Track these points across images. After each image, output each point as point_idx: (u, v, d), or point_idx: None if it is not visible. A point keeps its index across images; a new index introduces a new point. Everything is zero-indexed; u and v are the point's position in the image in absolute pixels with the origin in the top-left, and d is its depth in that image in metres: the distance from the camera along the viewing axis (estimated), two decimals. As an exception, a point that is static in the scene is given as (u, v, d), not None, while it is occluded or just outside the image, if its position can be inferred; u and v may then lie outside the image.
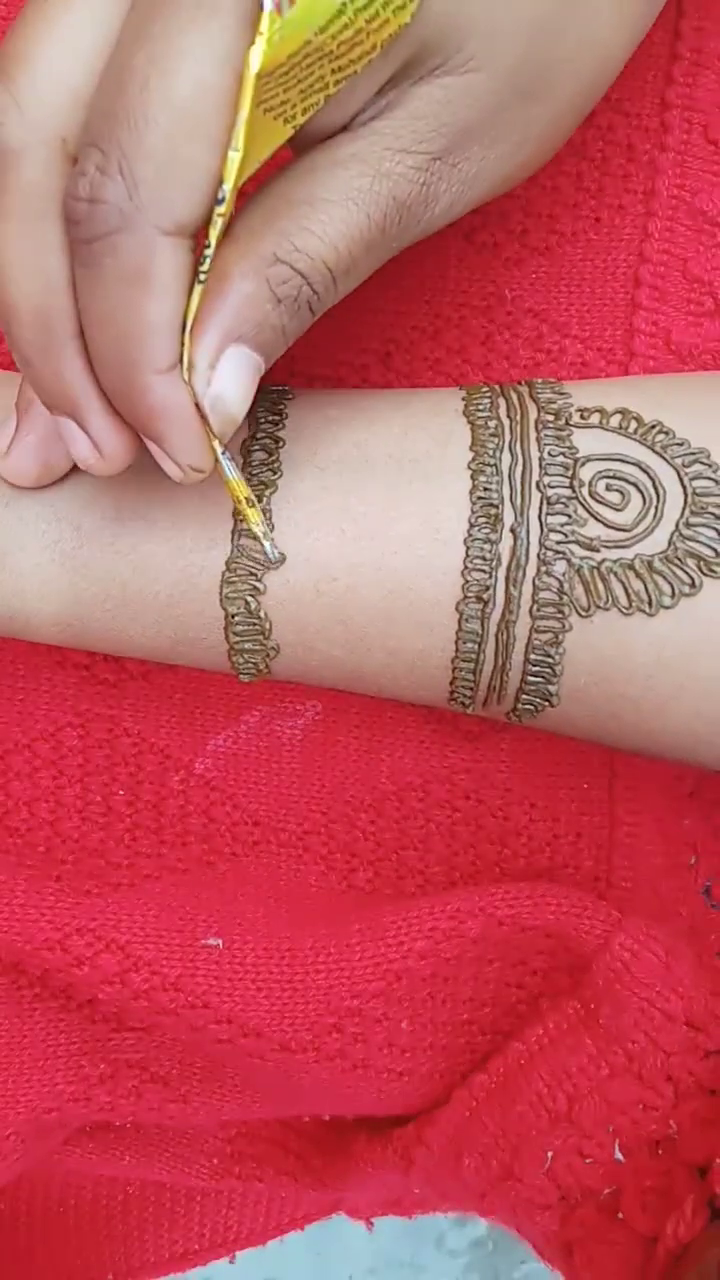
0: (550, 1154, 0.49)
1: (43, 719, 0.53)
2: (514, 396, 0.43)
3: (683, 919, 0.53)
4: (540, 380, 0.44)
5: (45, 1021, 0.49)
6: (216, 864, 0.53)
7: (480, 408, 0.43)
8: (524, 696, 0.43)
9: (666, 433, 0.42)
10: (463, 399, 0.44)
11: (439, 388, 0.47)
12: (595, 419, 0.42)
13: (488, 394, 0.44)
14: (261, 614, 0.43)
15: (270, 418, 0.43)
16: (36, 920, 0.47)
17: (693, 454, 0.41)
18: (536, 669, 0.42)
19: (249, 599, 0.42)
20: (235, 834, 0.53)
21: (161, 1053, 0.50)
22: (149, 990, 0.47)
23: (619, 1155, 0.48)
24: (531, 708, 0.44)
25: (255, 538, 0.41)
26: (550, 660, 0.42)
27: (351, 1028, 0.48)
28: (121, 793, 0.53)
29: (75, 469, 0.42)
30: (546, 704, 0.43)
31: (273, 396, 0.44)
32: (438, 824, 0.53)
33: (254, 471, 0.42)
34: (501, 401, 0.44)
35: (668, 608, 0.41)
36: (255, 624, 0.43)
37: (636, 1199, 0.48)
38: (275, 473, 0.42)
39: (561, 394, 0.43)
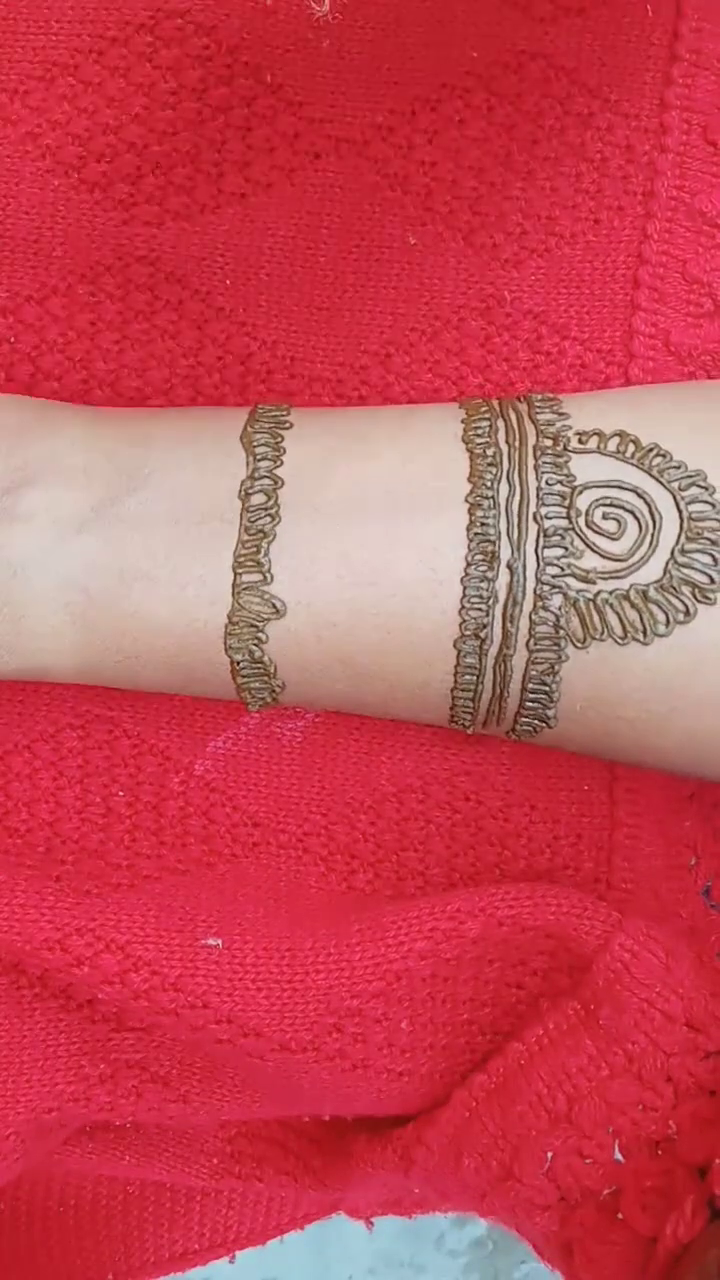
0: (550, 1154, 0.49)
1: (42, 720, 0.53)
2: (513, 418, 0.44)
3: (683, 920, 0.53)
4: (539, 396, 0.45)
5: (45, 1021, 0.49)
6: (216, 865, 0.53)
7: (479, 432, 0.44)
8: (522, 719, 0.45)
9: (664, 455, 0.42)
10: (462, 421, 0.45)
11: (439, 401, 0.49)
12: (593, 443, 0.43)
13: (486, 415, 0.45)
14: (265, 659, 0.44)
15: (270, 454, 0.44)
16: (36, 920, 0.47)
17: (689, 477, 0.42)
18: (533, 697, 0.44)
19: (252, 648, 0.44)
20: (235, 835, 0.53)
21: (161, 1053, 0.50)
22: (149, 990, 0.47)
23: (619, 1156, 0.48)
24: (530, 729, 0.45)
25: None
26: (547, 689, 0.43)
27: (351, 1028, 0.48)
28: (121, 794, 0.53)
29: (80, 533, 0.44)
30: (544, 725, 0.45)
31: (270, 424, 0.45)
32: (437, 826, 0.53)
33: (253, 517, 0.43)
34: (500, 424, 0.44)
35: (662, 636, 0.42)
36: (260, 668, 0.44)
37: (636, 1199, 0.48)
38: (274, 519, 0.43)
39: (560, 414, 0.44)
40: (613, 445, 0.43)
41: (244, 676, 0.45)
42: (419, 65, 0.50)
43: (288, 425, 0.45)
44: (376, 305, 0.51)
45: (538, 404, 0.45)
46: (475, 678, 0.43)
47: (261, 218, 0.51)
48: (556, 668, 0.42)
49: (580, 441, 0.43)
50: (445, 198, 0.51)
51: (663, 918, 0.52)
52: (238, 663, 0.44)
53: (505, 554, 0.42)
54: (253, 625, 0.43)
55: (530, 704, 0.44)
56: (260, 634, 0.43)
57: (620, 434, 0.43)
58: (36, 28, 0.49)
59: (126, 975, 0.47)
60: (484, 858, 0.53)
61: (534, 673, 0.43)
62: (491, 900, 0.48)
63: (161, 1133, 0.56)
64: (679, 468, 0.42)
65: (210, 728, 0.53)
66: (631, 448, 0.43)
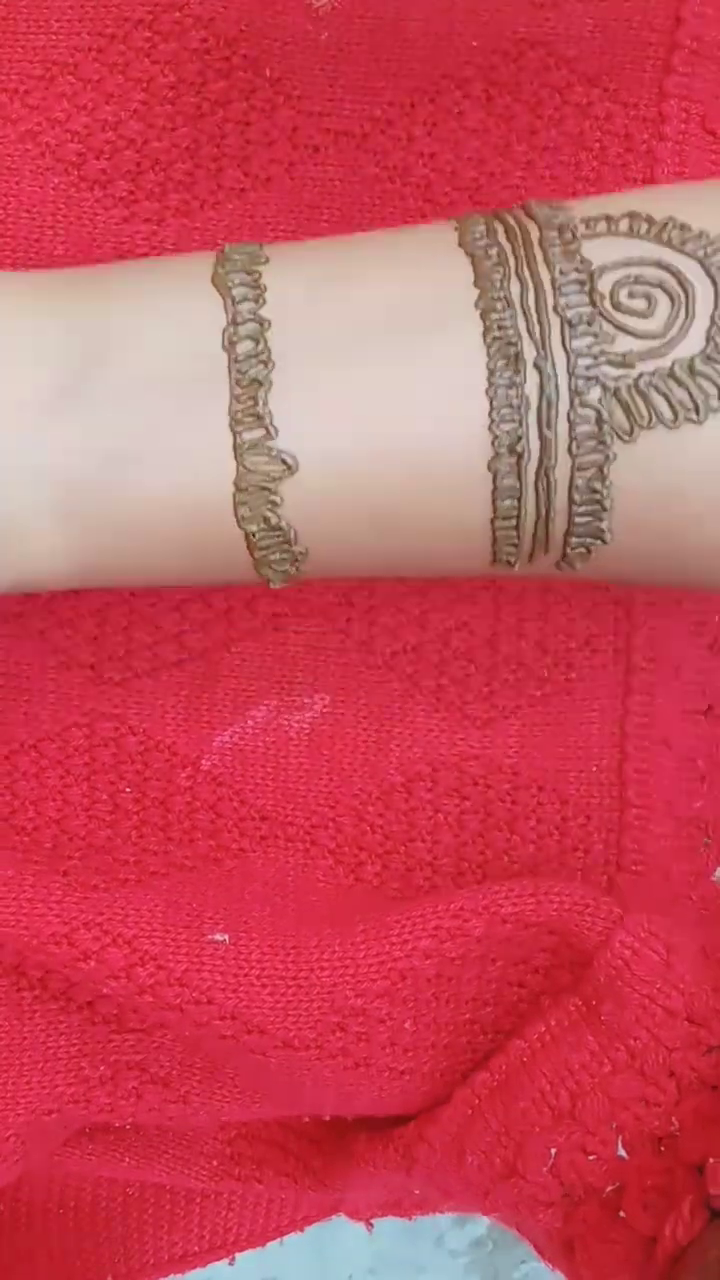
0: (553, 1151, 0.49)
1: (48, 719, 0.53)
2: (510, 219, 0.40)
3: (693, 903, 0.53)
4: (535, 200, 0.41)
5: (45, 1023, 0.49)
6: (224, 860, 0.53)
7: (477, 236, 0.40)
8: (573, 540, 0.40)
9: (682, 227, 0.39)
10: (456, 229, 0.41)
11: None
12: (602, 226, 0.39)
13: (481, 221, 0.41)
14: (283, 525, 0.40)
15: (249, 294, 0.39)
16: (44, 915, 0.47)
17: (714, 244, 0.39)
18: (583, 510, 0.39)
19: (267, 514, 0.39)
20: (243, 829, 0.53)
21: (161, 1054, 0.50)
22: (154, 985, 0.47)
23: (622, 1152, 0.49)
24: (584, 549, 0.41)
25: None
26: (598, 496, 0.39)
27: (355, 1026, 0.48)
28: (128, 790, 0.53)
29: (48, 419, 0.39)
30: (599, 542, 0.40)
31: (244, 261, 0.40)
32: (446, 814, 0.54)
33: (244, 367, 0.38)
34: (498, 226, 0.40)
35: (717, 410, 0.38)
36: (278, 535, 0.40)
37: (638, 1198, 0.48)
38: (267, 365, 0.38)
39: (561, 208, 0.40)
40: (624, 226, 0.39)
41: (262, 549, 0.40)
42: (418, 57, 0.50)
43: (264, 260, 0.40)
44: None
45: (534, 205, 0.41)
46: (515, 500, 0.39)
47: (261, 212, 0.51)
48: (605, 470, 0.38)
49: (588, 228, 0.39)
50: (445, 189, 0.51)
51: (673, 900, 0.52)
52: (253, 534, 0.40)
53: (530, 354, 0.38)
54: (264, 488, 0.38)
55: (581, 519, 0.39)
56: (274, 496, 0.39)
57: (630, 214, 0.39)
58: (36, 27, 0.49)
59: (133, 970, 0.47)
60: (493, 844, 0.53)
61: (580, 481, 0.38)
62: (495, 898, 0.49)
63: (161, 1134, 0.56)
64: (700, 236, 0.39)
65: (216, 722, 0.53)
66: (645, 225, 0.39)
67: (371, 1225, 0.61)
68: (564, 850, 0.53)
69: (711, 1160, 0.46)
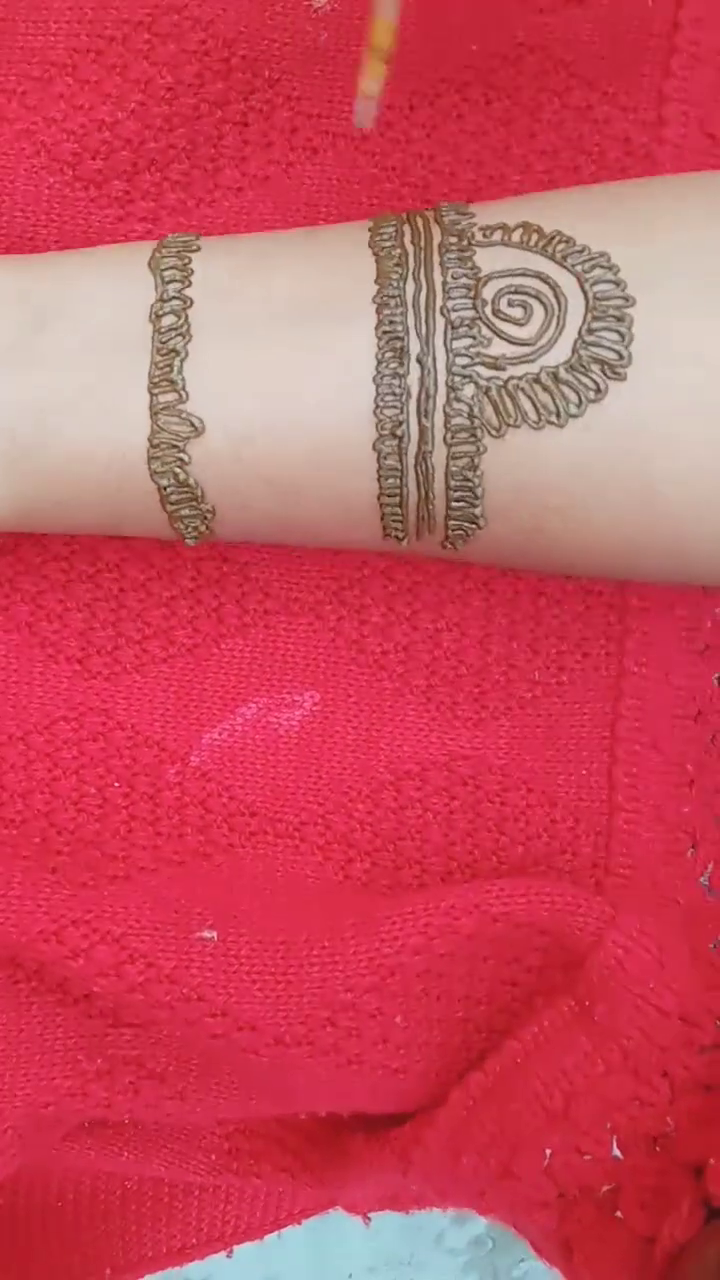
0: (549, 1152, 0.49)
1: (36, 712, 0.53)
2: (419, 222, 0.44)
3: (680, 907, 0.53)
4: (446, 204, 0.45)
5: (42, 1016, 0.49)
6: (213, 856, 0.53)
7: (385, 237, 0.44)
8: (451, 522, 0.44)
9: (567, 241, 0.42)
10: (369, 230, 0.45)
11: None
12: (497, 235, 0.43)
13: (393, 221, 0.45)
14: (191, 482, 0.44)
15: (178, 275, 0.44)
16: (33, 911, 0.47)
17: (592, 259, 0.42)
18: (459, 494, 0.43)
19: (176, 471, 0.44)
20: (232, 825, 0.53)
21: (158, 1049, 0.50)
22: (144, 983, 0.47)
23: (617, 1152, 0.49)
24: (462, 532, 0.45)
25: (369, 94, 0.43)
26: (470, 484, 0.43)
27: (345, 1022, 0.48)
28: (117, 785, 0.53)
29: None
30: (474, 526, 0.44)
31: (178, 248, 0.45)
32: (435, 812, 0.53)
33: (164, 338, 0.43)
34: (407, 229, 0.44)
35: (576, 416, 0.42)
36: (187, 491, 0.44)
37: (634, 1198, 0.48)
38: (185, 337, 0.43)
39: (465, 214, 0.44)
40: (517, 236, 0.43)
41: (173, 503, 0.45)
42: (417, 59, 0.50)
43: (195, 249, 0.45)
44: None
45: (444, 208, 0.44)
46: (398, 479, 0.43)
47: (258, 210, 0.51)
48: (476, 461, 0.42)
49: (485, 235, 0.43)
50: (443, 190, 0.51)
51: (660, 904, 0.52)
52: (164, 488, 0.44)
53: (415, 349, 0.42)
54: (173, 446, 0.43)
55: (456, 503, 0.44)
56: (182, 454, 0.43)
57: (524, 225, 0.43)
58: (35, 28, 0.49)
59: (122, 967, 0.47)
60: (482, 844, 0.53)
61: (455, 468, 0.43)
62: (485, 896, 0.49)
63: (159, 1129, 0.56)
64: (582, 251, 0.42)
65: (206, 718, 0.53)
66: (535, 236, 0.42)
67: (369, 1220, 0.61)
68: (552, 852, 0.53)
69: (711, 1160, 0.46)
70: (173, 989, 0.47)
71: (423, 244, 0.43)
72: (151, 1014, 0.48)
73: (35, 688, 0.53)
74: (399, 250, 0.43)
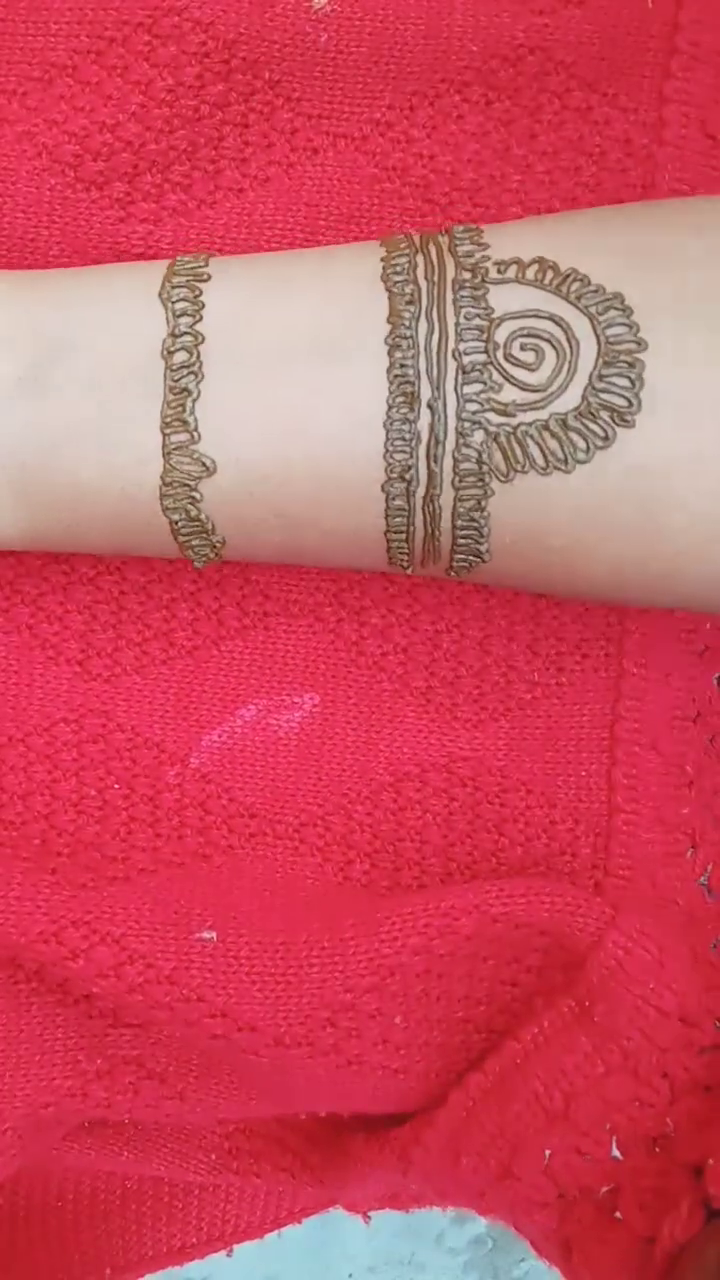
0: (548, 1152, 0.49)
1: (36, 714, 0.53)
2: (433, 252, 0.44)
3: (679, 908, 0.53)
4: (461, 228, 0.45)
5: (42, 1016, 0.49)
6: (213, 857, 0.53)
7: (397, 270, 0.44)
8: (457, 556, 0.45)
9: (582, 280, 0.42)
10: (381, 260, 0.44)
11: (365, 241, 0.48)
12: (512, 272, 0.43)
13: (405, 251, 0.44)
14: (202, 517, 0.44)
15: (189, 310, 0.44)
16: (32, 913, 0.47)
17: (607, 300, 0.42)
18: (464, 534, 0.44)
19: (188, 507, 0.44)
20: (231, 826, 0.53)
21: (158, 1049, 0.50)
22: (144, 984, 0.47)
23: (616, 1153, 0.49)
24: (466, 565, 0.45)
25: None
26: (476, 525, 0.43)
27: (345, 1022, 0.48)
28: (117, 786, 0.53)
29: (8, 404, 0.44)
30: (479, 560, 0.45)
31: (188, 277, 0.45)
32: (434, 814, 0.54)
33: (177, 376, 0.43)
34: (420, 259, 0.44)
35: (583, 463, 0.42)
36: (198, 525, 0.45)
37: (634, 1199, 0.48)
38: (197, 376, 0.43)
39: (480, 244, 0.44)
40: (531, 273, 0.42)
41: (184, 535, 0.45)
42: (417, 60, 0.50)
43: (206, 278, 0.45)
44: None
45: (458, 235, 0.44)
46: (405, 519, 0.43)
47: (259, 211, 0.51)
48: (483, 503, 0.42)
49: (499, 271, 0.43)
50: (444, 189, 0.51)
51: (660, 905, 0.52)
52: (175, 522, 0.44)
53: (425, 394, 0.42)
54: (185, 485, 0.43)
55: (462, 540, 0.44)
56: (194, 493, 0.43)
57: (539, 260, 0.43)
58: (35, 29, 0.49)
59: (121, 968, 0.47)
60: (481, 845, 0.53)
61: (462, 509, 0.43)
62: (485, 897, 0.49)
63: (159, 1129, 0.56)
64: (596, 291, 0.42)
65: (205, 720, 0.53)
66: (550, 274, 0.42)
67: (369, 1218, 0.61)
68: (551, 853, 0.53)
69: (711, 1161, 0.46)
70: (172, 990, 0.47)
71: (436, 279, 0.43)
72: (151, 1014, 0.48)
73: (35, 690, 0.53)
74: (411, 286, 0.43)
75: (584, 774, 0.54)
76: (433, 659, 0.54)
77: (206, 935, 0.48)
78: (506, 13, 0.50)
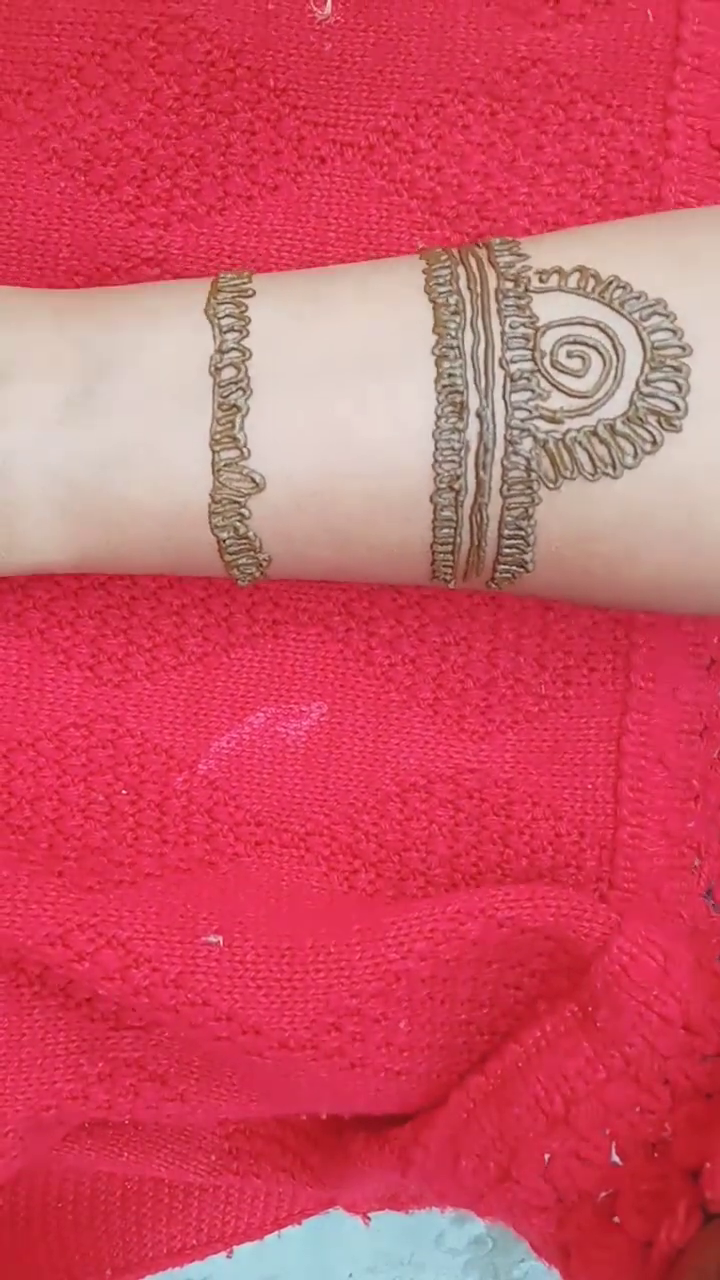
0: (547, 1157, 0.49)
1: (46, 718, 0.53)
2: (473, 263, 0.44)
3: (684, 921, 0.53)
4: (498, 240, 0.45)
5: (44, 1019, 0.49)
6: (218, 864, 0.53)
7: (440, 281, 0.44)
8: (500, 566, 0.45)
9: (624, 286, 0.42)
10: (423, 272, 0.44)
11: (405, 256, 0.48)
12: (554, 280, 0.43)
13: (447, 264, 0.44)
14: (250, 534, 0.44)
15: (235, 325, 0.44)
16: (39, 915, 0.47)
17: (650, 306, 0.42)
18: (510, 542, 0.44)
19: (237, 525, 0.44)
20: (238, 834, 0.53)
21: (159, 1051, 0.50)
22: (149, 987, 0.47)
23: (616, 1158, 0.49)
24: (509, 575, 0.45)
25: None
26: (523, 533, 0.43)
27: (350, 1026, 0.48)
28: (125, 792, 0.53)
29: (57, 426, 0.44)
30: (522, 570, 0.45)
31: (233, 293, 0.45)
32: (440, 824, 0.54)
33: (225, 393, 0.43)
34: (461, 271, 0.44)
35: (631, 468, 0.42)
36: (245, 543, 0.45)
37: (632, 1203, 0.48)
38: (246, 392, 0.43)
39: (520, 255, 0.44)
40: (573, 281, 0.42)
41: (231, 553, 0.45)
42: (421, 69, 0.50)
43: (250, 294, 0.45)
44: None
45: (497, 247, 0.44)
46: (453, 530, 0.44)
47: (268, 219, 0.51)
48: (531, 511, 0.43)
49: (541, 280, 0.43)
50: (452, 203, 0.51)
51: (664, 918, 0.52)
52: (223, 540, 0.44)
53: (474, 403, 0.42)
54: (235, 502, 0.43)
55: (508, 550, 0.44)
56: (243, 509, 0.43)
57: (580, 269, 0.43)
58: (39, 28, 0.49)
59: (127, 971, 0.47)
60: (486, 857, 0.53)
61: (509, 518, 0.43)
62: (491, 901, 0.49)
63: (160, 1130, 0.56)
64: (639, 298, 0.42)
65: (214, 727, 0.53)
66: (592, 282, 0.42)
67: (368, 1219, 0.61)
68: (556, 866, 0.53)
69: (708, 1165, 0.46)
70: (178, 993, 0.47)
71: (479, 289, 0.43)
72: (155, 1016, 0.48)
73: (46, 694, 0.53)
74: (455, 297, 0.43)
75: (590, 787, 0.54)
76: (440, 670, 0.54)
77: (213, 939, 0.48)
78: (509, 25, 0.50)
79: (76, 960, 0.47)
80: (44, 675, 0.53)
